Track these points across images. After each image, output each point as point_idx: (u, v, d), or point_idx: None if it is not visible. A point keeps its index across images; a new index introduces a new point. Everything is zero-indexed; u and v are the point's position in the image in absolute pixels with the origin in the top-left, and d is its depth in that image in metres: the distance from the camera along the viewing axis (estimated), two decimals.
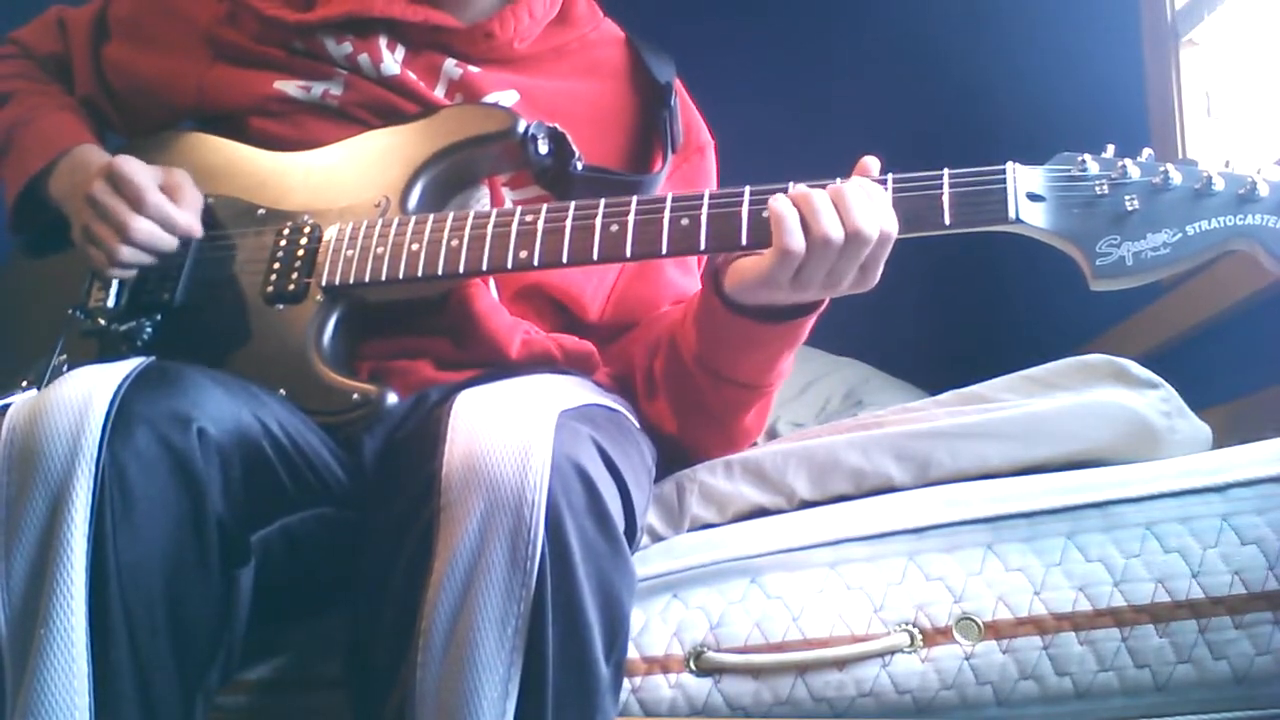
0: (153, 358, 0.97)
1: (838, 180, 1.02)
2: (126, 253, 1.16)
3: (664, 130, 1.29)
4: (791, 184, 1.03)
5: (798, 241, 0.98)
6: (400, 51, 1.26)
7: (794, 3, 2.72)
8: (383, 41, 1.25)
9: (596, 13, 1.37)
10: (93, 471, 0.87)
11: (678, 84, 1.34)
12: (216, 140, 1.27)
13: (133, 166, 1.17)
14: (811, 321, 1.10)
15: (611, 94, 1.32)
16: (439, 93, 1.26)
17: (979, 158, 1.02)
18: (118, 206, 1.15)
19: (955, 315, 2.57)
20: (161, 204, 1.16)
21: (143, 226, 1.15)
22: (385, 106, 1.24)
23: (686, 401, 1.18)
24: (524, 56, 1.29)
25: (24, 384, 1.17)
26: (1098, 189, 0.99)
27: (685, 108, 1.36)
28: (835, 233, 0.98)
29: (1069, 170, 1.00)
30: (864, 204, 0.99)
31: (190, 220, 1.18)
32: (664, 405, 1.19)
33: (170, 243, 1.17)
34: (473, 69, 1.26)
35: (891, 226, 1.00)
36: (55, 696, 0.84)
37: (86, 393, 0.90)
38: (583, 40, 1.33)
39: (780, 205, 1.00)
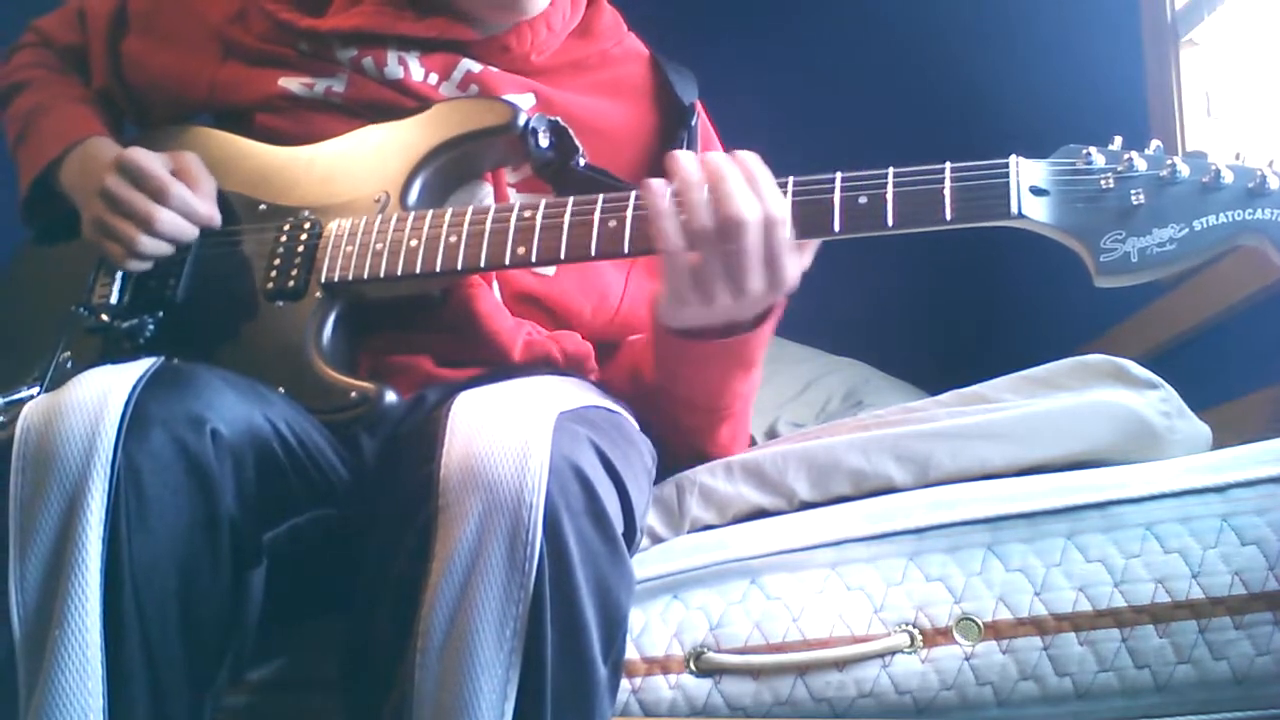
0: (163, 358, 0.97)
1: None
2: (147, 243, 1.15)
3: (680, 149, 1.28)
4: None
5: (675, 241, 0.98)
6: (414, 54, 1.26)
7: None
8: (391, 49, 1.25)
9: (621, 27, 1.35)
10: (108, 473, 0.87)
11: (699, 106, 1.33)
12: (221, 135, 1.27)
13: (147, 158, 1.17)
14: (752, 340, 1.09)
15: (631, 112, 1.31)
16: (453, 85, 1.25)
17: (978, 159, 1.01)
18: (138, 199, 1.15)
19: (955, 315, 2.56)
20: (185, 195, 1.16)
21: (167, 218, 1.15)
22: (387, 104, 1.24)
23: (655, 421, 1.17)
24: (542, 69, 1.28)
25: (28, 381, 1.17)
26: (1103, 183, 0.96)
27: (705, 130, 1.35)
28: (706, 222, 0.98)
29: (1073, 164, 0.98)
30: (741, 189, 0.98)
31: (212, 210, 1.18)
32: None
33: (192, 233, 1.18)
34: (491, 68, 1.26)
35: (779, 210, 0.99)
36: (69, 697, 0.83)
37: (101, 394, 0.90)
38: (604, 55, 1.32)
39: (657, 201, 0.99)
